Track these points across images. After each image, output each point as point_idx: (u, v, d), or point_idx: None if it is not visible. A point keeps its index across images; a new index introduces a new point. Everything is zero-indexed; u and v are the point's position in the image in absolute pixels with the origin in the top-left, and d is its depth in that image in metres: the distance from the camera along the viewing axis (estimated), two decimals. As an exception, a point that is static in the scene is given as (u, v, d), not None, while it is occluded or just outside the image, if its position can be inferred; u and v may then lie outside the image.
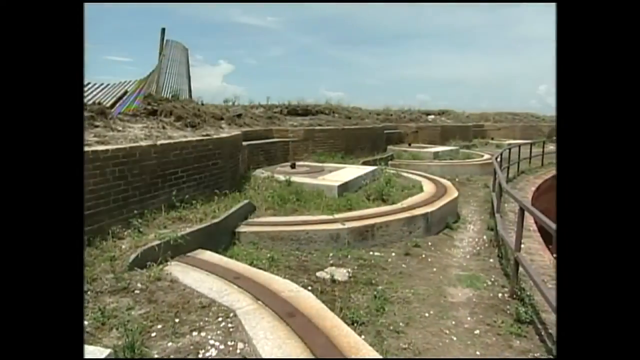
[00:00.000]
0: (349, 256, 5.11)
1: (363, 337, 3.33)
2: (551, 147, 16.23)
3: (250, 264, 4.44)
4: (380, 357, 2.64)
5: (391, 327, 3.54)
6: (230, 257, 4.66)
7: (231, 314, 3.10)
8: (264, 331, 2.79)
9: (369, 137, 14.24)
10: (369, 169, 9.31)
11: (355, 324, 3.53)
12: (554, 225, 3.30)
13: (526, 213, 4.24)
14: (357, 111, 19.55)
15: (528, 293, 4.13)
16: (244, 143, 9.07)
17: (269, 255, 4.87)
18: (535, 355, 3.20)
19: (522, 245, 5.68)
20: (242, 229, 5.48)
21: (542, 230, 6.23)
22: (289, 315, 3.02)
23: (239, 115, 12.10)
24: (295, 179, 7.85)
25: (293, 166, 9.75)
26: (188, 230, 4.57)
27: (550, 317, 3.64)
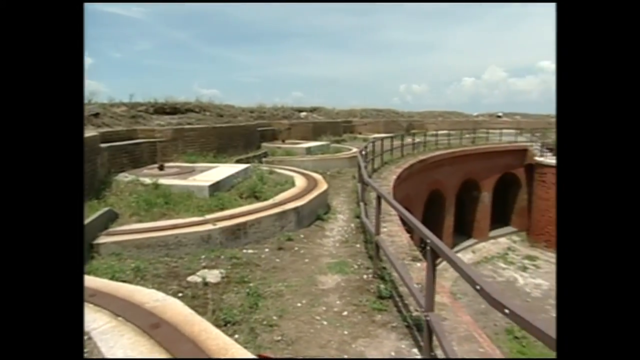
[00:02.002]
0: (222, 256, 5.02)
1: (237, 336, 3.33)
2: (409, 139, 18.17)
3: (111, 278, 4.05)
4: (250, 354, 2.65)
5: (265, 322, 3.59)
6: (88, 273, 4.19)
7: (85, 338, 2.79)
8: (124, 349, 2.58)
9: (242, 135, 14.12)
10: (241, 167, 9.24)
11: (228, 325, 3.49)
12: (402, 209, 3.71)
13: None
14: (230, 109, 19.23)
15: (388, 272, 4.57)
16: (103, 145, 8.24)
17: (133, 265, 4.51)
18: (393, 325, 3.56)
19: (384, 229, 6.27)
20: (102, 239, 4.97)
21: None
22: (153, 327, 2.84)
23: (96, 115, 10.92)
24: (164, 181, 7.41)
25: (161, 168, 9.18)
26: (30, 248, 3.97)
27: (405, 290, 4.07)
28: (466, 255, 19.19)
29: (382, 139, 14.51)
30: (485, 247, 20.36)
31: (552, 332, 1.50)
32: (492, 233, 21.81)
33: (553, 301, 13.99)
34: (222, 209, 6.32)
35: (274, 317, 3.68)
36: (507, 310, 1.77)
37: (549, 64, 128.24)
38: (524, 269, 17.29)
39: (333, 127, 23.43)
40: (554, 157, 20.18)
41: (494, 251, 19.64)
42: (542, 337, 1.54)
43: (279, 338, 3.37)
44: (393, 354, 3.18)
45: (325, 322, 3.65)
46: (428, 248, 2.72)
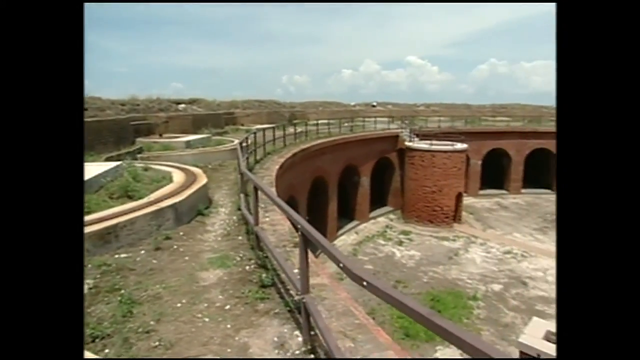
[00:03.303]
0: (89, 265, 4.55)
1: (107, 350, 3.08)
2: (291, 129, 18.52)
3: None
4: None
5: (140, 329, 3.37)
6: None
7: None
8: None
9: (112, 131, 12.89)
10: (111, 165, 8.42)
11: (97, 340, 3.20)
12: (276, 198, 3.78)
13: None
14: (96, 101, 17.44)
15: (270, 260, 4.63)
16: None
17: (-27, 287, 3.84)
18: (276, 311, 3.64)
19: (267, 219, 6.34)
20: None
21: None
22: (-3, 354, 2.47)
23: None
24: (11, 187, 6.39)
25: (8, 172, 7.90)
26: None
27: (286, 276, 4.19)
28: (350, 236, 20.42)
29: (264, 129, 14.54)
30: (367, 227, 21.90)
31: (401, 297, 1.70)
32: (372, 214, 23.55)
33: (424, 268, 15.72)
34: (88, 213, 5.70)
35: (151, 323, 3.48)
36: (365, 283, 1.94)
37: (415, 59, 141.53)
38: (400, 243, 19.03)
39: (214, 119, 22.70)
40: (421, 142, 22.48)
41: (374, 230, 21.21)
42: (393, 302, 1.73)
43: (157, 344, 3.20)
44: (276, 339, 3.26)
45: (207, 319, 3.57)
46: (299, 233, 2.82)
